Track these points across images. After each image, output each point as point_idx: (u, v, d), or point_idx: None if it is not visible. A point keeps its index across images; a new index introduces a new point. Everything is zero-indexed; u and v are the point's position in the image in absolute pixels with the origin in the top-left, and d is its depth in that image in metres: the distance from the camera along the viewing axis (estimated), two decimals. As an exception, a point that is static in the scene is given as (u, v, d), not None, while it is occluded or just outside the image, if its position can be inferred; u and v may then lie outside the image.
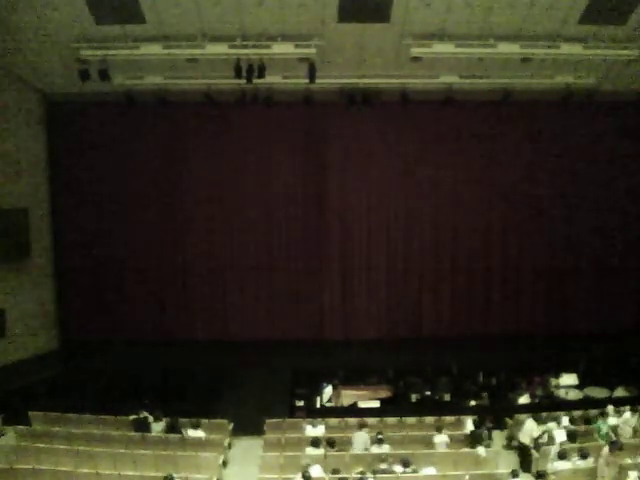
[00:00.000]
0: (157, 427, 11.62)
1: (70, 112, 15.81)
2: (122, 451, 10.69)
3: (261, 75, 13.11)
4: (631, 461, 9.98)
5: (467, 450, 10.96)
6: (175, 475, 9.45)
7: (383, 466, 9.99)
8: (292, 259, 16.86)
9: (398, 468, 10.00)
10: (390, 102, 15.56)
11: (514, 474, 9.43)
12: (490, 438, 11.73)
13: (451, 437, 11.24)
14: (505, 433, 12.49)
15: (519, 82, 14.76)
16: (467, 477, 9.64)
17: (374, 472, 9.76)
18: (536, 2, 12.21)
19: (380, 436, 10.73)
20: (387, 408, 13.16)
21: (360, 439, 10.97)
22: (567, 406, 12.79)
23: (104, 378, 14.16)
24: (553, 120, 16.10)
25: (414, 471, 9.92)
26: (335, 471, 9.93)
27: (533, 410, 12.39)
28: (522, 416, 12.03)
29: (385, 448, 10.65)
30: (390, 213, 16.82)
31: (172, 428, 11.52)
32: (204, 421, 11.83)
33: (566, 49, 12.99)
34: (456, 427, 11.91)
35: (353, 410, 13.03)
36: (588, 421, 11.75)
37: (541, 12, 12.46)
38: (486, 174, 16.54)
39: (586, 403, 13.02)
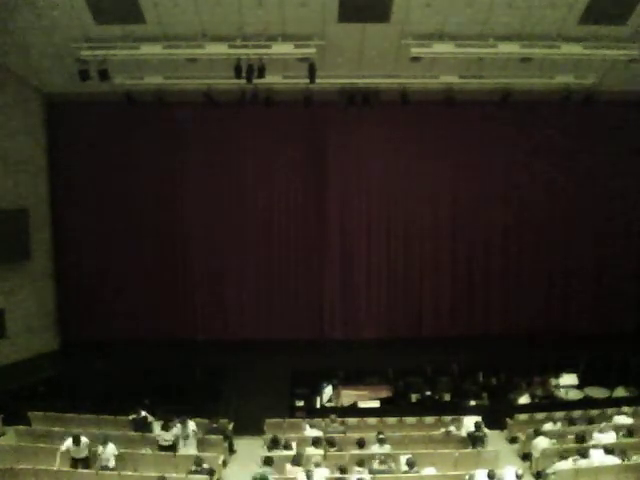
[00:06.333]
0: (158, 427, 11.58)
1: (70, 112, 15.81)
2: (122, 451, 10.68)
3: (261, 75, 13.13)
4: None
5: (467, 450, 10.95)
6: (175, 475, 9.44)
7: (382, 467, 9.98)
8: (292, 258, 16.89)
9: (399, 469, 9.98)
10: (390, 102, 15.57)
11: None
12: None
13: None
14: (505, 433, 12.49)
15: (519, 82, 14.78)
16: (467, 477, 9.63)
17: (373, 472, 9.75)
18: (536, 2, 12.22)
19: (381, 436, 10.71)
20: (387, 408, 13.17)
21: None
22: (567, 406, 12.78)
23: (104, 378, 14.13)
24: (553, 120, 16.10)
25: (414, 471, 9.91)
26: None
27: (533, 410, 12.39)
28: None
29: (387, 448, 10.63)
30: (390, 212, 16.83)
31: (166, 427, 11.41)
32: (204, 421, 11.80)
33: (566, 49, 13.02)
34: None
35: (353, 410, 13.03)
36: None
37: (541, 12, 12.47)
38: (486, 174, 16.55)
39: (586, 403, 13.02)
